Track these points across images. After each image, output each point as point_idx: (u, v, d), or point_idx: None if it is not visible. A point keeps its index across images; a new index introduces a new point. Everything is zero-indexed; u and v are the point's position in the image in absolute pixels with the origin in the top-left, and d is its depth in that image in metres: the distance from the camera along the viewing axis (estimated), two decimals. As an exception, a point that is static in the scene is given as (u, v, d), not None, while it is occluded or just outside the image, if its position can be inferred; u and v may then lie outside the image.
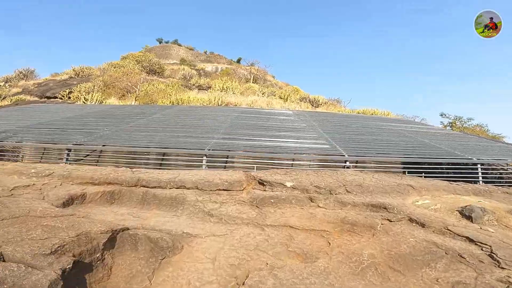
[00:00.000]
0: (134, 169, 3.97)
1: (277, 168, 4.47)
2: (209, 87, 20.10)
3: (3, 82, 18.06)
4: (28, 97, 16.30)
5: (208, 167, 4.49)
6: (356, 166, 4.64)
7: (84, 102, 11.68)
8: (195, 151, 4.54)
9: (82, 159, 4.56)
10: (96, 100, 11.74)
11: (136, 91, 12.72)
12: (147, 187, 3.44)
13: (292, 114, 8.89)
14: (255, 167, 4.43)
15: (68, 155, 4.50)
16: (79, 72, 19.91)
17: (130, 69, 18.17)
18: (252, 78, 27.53)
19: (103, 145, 4.62)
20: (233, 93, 13.66)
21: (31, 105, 10.87)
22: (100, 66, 20.66)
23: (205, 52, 41.44)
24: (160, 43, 37.47)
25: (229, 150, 4.74)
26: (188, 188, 3.54)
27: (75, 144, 4.61)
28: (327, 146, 5.14)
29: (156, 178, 3.56)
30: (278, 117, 8.18)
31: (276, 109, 10.12)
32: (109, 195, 3.17)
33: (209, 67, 31.32)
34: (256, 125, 6.76)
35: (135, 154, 4.56)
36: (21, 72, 20.14)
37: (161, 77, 20.53)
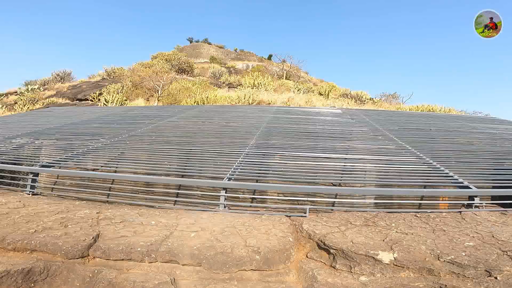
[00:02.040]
0: (102, 212, 2.36)
1: (346, 210, 2.59)
2: (240, 85, 18.58)
3: (37, 86, 18.08)
4: (60, 100, 16.02)
5: (229, 207, 2.75)
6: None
7: (104, 104, 10.67)
8: (208, 181, 2.82)
9: (52, 187, 3.06)
10: (118, 101, 10.67)
11: (158, 90, 11.50)
12: (107, 259, 1.80)
13: (342, 113, 6.85)
14: (307, 209, 2.59)
15: (33, 181, 3.02)
16: (111, 73, 19.48)
17: (159, 68, 17.22)
18: (284, 75, 25.51)
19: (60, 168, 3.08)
20: (265, 90, 11.87)
21: (49, 108, 10.06)
22: (130, 66, 20.09)
23: (235, 50, 40.14)
24: (190, 42, 36.86)
25: (260, 176, 2.97)
26: (184, 265, 1.85)
27: (43, 166, 3.12)
28: (424, 166, 3.12)
29: (128, 238, 1.90)
30: (325, 118, 6.21)
31: (318, 108, 8.17)
32: (21, 278, 1.57)
33: (239, 65, 29.94)
34: (299, 131, 4.89)
35: (116, 183, 2.96)
36: (58, 75, 20.25)
37: (191, 76, 19.40)
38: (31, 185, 3.02)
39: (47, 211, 2.30)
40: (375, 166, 3.20)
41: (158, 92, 11.77)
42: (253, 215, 2.65)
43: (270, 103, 9.76)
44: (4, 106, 14.37)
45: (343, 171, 3.15)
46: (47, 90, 17.93)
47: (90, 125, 5.62)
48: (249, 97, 9.71)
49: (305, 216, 2.57)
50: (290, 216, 2.64)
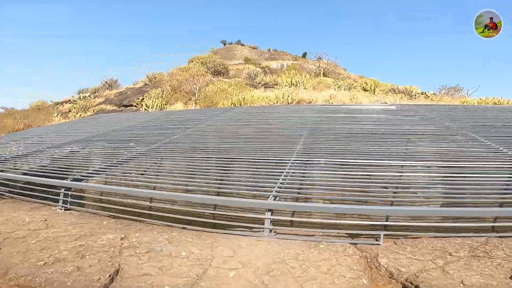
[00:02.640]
0: (128, 237, 1.99)
1: (434, 236, 1.90)
2: (276, 84, 18.04)
3: (88, 94, 19.45)
4: (108, 107, 17.00)
5: (275, 230, 2.22)
6: None
7: (145, 109, 10.88)
8: (249, 201, 2.31)
9: (84, 202, 2.82)
10: (157, 106, 10.81)
11: (195, 93, 11.44)
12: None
13: (397, 110, 5.92)
14: (381, 236, 1.97)
15: (65, 195, 2.81)
16: (152, 79, 20.26)
17: (195, 71, 17.42)
18: (321, 73, 24.34)
19: (105, 183, 2.80)
20: (304, 88, 11.14)
21: (98, 115, 10.52)
22: (169, 71, 20.73)
23: (269, 50, 39.65)
24: (224, 44, 37.25)
25: (308, 190, 2.38)
26: None
27: (75, 180, 2.90)
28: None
29: (152, 278, 1.49)
30: (379, 116, 5.38)
31: (366, 105, 7.27)
32: None
33: (274, 65, 29.41)
34: (352, 132, 4.18)
35: (139, 198, 2.59)
36: (106, 82, 21.61)
37: (226, 78, 19.35)
38: (63, 200, 2.82)
39: (69, 234, 1.99)
40: (469, 180, 2.40)
41: (195, 95, 11.74)
42: (306, 242, 2.09)
43: (310, 102, 9.06)
44: (60, 114, 15.63)
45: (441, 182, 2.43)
46: (97, 98, 19.21)
47: (131, 132, 5.52)
48: (288, 96, 9.11)
49: (379, 245, 1.94)
50: (356, 244, 2.03)
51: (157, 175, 3.11)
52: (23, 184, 3.09)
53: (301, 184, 2.61)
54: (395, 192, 2.53)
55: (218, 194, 2.60)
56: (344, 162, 3.00)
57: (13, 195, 3.10)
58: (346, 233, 2.21)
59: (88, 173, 3.15)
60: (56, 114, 15.74)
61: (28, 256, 1.66)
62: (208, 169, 3.09)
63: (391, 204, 2.33)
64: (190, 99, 12.55)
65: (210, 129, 5.11)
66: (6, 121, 14.44)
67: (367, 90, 12.00)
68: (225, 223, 2.37)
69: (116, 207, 2.57)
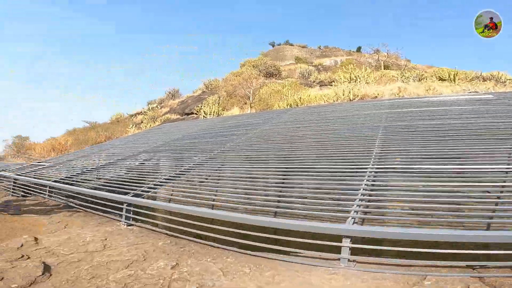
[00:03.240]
0: (180, 265, 1.71)
1: None
2: (332, 82, 16.97)
3: (155, 104, 21.25)
4: (172, 116, 18.28)
5: (356, 261, 1.70)
6: None
7: (204, 117, 11.20)
8: (320, 226, 1.83)
9: (142, 218, 2.72)
10: (214, 112, 11.02)
11: (250, 97, 11.32)
12: None
13: (498, 99, 4.64)
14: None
15: (127, 211, 2.77)
16: (208, 86, 21.11)
17: (248, 74, 17.50)
18: (382, 65, 22.07)
19: (170, 202, 2.64)
20: (366, 82, 10.01)
21: (163, 124, 11.23)
22: (223, 77, 21.33)
23: (319, 47, 37.92)
24: (273, 46, 36.90)
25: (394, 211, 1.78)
26: None
27: (136, 196, 2.84)
28: None
29: None
30: (472, 108, 4.26)
31: (451, 95, 5.96)
32: None
33: (326, 62, 27.90)
34: (443, 129, 3.31)
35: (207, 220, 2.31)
36: (169, 93, 23.37)
37: (279, 79, 18.99)
38: (125, 216, 2.78)
39: (122, 259, 1.82)
40: None
41: (250, 98, 11.66)
42: (403, 276, 1.53)
43: (376, 97, 8.01)
44: (134, 125, 17.40)
45: None
46: (163, 108, 20.90)
47: (190, 141, 5.55)
48: (349, 93, 8.22)
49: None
50: (483, 277, 1.40)
51: (215, 192, 2.86)
52: (92, 198, 3.18)
53: (386, 201, 2.02)
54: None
55: (275, 214, 2.19)
56: (439, 170, 2.29)
57: (85, 208, 3.23)
58: (466, 265, 1.56)
59: (148, 187, 3.08)
60: (131, 125, 17.61)
61: (76, 285, 1.50)
62: (267, 182, 2.71)
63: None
64: (245, 103, 12.55)
65: (267, 134, 4.76)
66: (90, 134, 16.68)
67: (445, 80, 10.12)
68: (288, 250, 1.95)
69: (173, 226, 2.38)
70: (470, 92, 6.90)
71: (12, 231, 2.45)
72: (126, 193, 2.89)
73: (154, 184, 3.15)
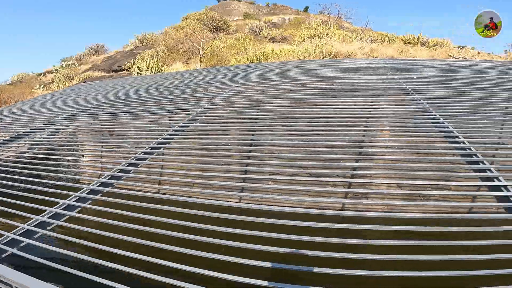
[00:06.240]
0: None
1: None
2: (284, 39, 15.34)
3: (71, 61, 16.64)
4: (96, 73, 14.40)
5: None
6: None
7: (138, 73, 8.59)
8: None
9: None
10: (153, 68, 8.49)
11: (199, 50, 9.04)
12: None
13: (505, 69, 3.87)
14: None
15: None
16: (143, 40, 17.27)
17: (192, 28, 14.53)
18: (331, 26, 21.24)
19: None
20: (334, 40, 8.77)
21: (85, 84, 8.23)
22: (162, 30, 17.73)
23: (267, 4, 35.27)
24: (218, 1, 32.81)
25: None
26: None
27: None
28: None
29: None
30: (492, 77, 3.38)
31: (446, 60, 5.09)
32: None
33: (275, 19, 25.97)
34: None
35: None
36: (92, 48, 18.61)
37: (227, 34, 16.49)
38: None
39: None
40: None
41: (199, 52, 9.33)
42: None
43: (350, 56, 6.90)
44: (43, 86, 13.15)
45: None
46: (83, 65, 16.49)
47: (121, 106, 3.49)
48: (322, 48, 6.88)
49: None
50: None
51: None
52: None
53: None
54: None
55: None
56: None
57: None
58: None
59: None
60: (38, 86, 13.23)
61: None
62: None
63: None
64: (190, 58, 10.13)
65: (246, 99, 3.11)
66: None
67: (411, 43, 9.60)
68: None
69: None
70: (456, 58, 6.35)
71: None
72: None
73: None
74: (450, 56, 7.05)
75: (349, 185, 2.66)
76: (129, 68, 11.65)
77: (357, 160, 2.34)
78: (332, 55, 6.89)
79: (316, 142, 2.26)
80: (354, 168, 2.26)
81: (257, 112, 2.83)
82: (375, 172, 2.03)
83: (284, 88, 3.52)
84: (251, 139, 2.42)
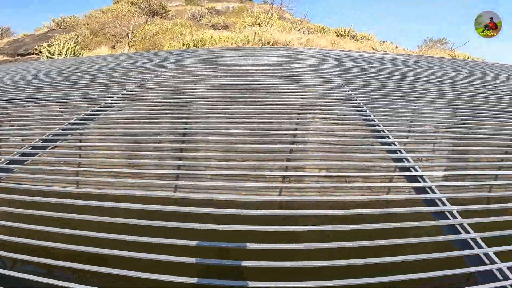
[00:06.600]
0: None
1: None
2: (226, 26, 14.89)
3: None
4: (-3, 58, 11.84)
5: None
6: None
7: (49, 57, 7.27)
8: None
9: None
10: (69, 52, 7.27)
11: (128, 34, 8.06)
12: None
13: (417, 62, 4.33)
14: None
15: None
16: (61, 23, 14.78)
17: (124, 11, 12.93)
18: (273, 16, 21.50)
19: None
20: (274, 29, 8.76)
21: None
22: (87, 14, 15.45)
23: (210, -9, 33.86)
24: (158, -16, 30.14)
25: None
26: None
27: None
28: None
29: None
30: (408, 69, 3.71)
31: (371, 52, 5.48)
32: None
33: (219, 6, 25.12)
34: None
35: None
36: (-8, 30, 15.22)
37: (165, 19, 15.24)
38: None
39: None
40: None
41: (128, 36, 8.30)
42: None
43: (287, 44, 6.96)
44: None
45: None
46: (-21, 48, 13.39)
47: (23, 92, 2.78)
48: (261, 36, 6.77)
49: None
50: None
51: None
52: None
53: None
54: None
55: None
56: None
57: None
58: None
59: None
60: None
61: None
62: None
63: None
64: (118, 42, 8.96)
65: (175, 82, 2.78)
66: None
67: (342, 36, 10.20)
68: None
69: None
70: (380, 51, 6.93)
71: None
72: None
73: None
74: (373, 49, 7.81)
75: (286, 168, 2.59)
76: (39, 52, 9.80)
77: (292, 143, 2.28)
78: (270, 43, 6.88)
79: (251, 130, 2.10)
80: (290, 151, 2.19)
81: (190, 98, 2.55)
82: (309, 155, 1.99)
83: (220, 74, 3.29)
84: (184, 128, 2.16)
